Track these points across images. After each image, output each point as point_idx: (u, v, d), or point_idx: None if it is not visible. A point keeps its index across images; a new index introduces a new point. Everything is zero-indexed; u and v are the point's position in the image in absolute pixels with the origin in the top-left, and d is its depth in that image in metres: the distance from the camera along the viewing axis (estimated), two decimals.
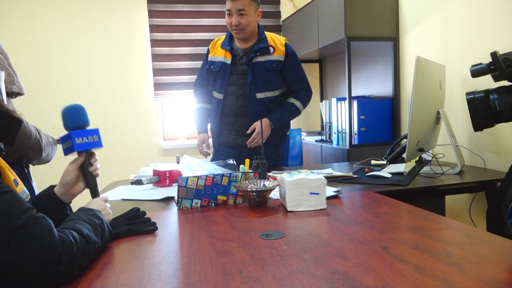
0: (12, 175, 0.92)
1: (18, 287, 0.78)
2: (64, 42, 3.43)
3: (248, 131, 2.16)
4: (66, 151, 1.09)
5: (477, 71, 1.33)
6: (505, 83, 1.33)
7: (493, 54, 1.26)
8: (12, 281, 0.77)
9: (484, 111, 1.27)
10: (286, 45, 2.20)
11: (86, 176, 1.11)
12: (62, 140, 1.09)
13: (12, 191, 0.82)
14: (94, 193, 1.14)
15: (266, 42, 2.16)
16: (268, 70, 2.15)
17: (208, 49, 2.34)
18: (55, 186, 1.10)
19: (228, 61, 2.19)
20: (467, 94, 1.33)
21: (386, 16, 2.70)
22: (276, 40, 2.21)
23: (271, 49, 2.15)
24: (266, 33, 2.23)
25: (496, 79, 1.30)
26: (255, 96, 2.18)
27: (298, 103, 2.22)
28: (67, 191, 1.09)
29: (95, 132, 1.11)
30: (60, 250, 0.79)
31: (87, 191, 1.14)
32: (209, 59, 2.29)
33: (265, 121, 2.14)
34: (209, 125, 2.39)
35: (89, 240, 0.89)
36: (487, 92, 1.28)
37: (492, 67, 1.30)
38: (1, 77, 0.98)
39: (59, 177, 1.10)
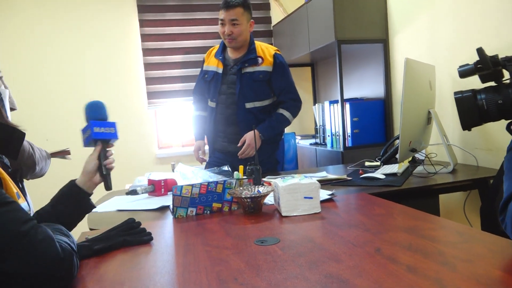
0: (14, 188, 0.94)
1: None
2: (55, 53, 3.43)
3: (239, 144, 2.18)
4: (86, 141, 1.20)
5: (464, 72, 1.35)
6: (493, 83, 1.35)
7: (479, 50, 1.28)
8: None
9: (472, 110, 1.29)
10: (274, 56, 2.22)
11: (100, 167, 1.18)
12: (83, 131, 1.21)
13: (15, 202, 0.85)
14: (107, 184, 1.20)
15: (254, 53, 2.20)
16: (256, 81, 2.18)
17: (204, 58, 2.38)
18: (75, 180, 1.16)
19: (220, 70, 2.23)
20: (455, 93, 1.35)
21: (375, 18, 2.73)
22: (265, 50, 2.24)
23: (259, 59, 2.19)
24: (257, 43, 2.26)
25: (483, 79, 1.32)
26: (244, 105, 2.20)
27: (287, 113, 2.24)
28: (89, 179, 1.16)
29: (112, 124, 1.23)
30: (62, 256, 0.82)
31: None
32: (204, 68, 2.34)
33: (256, 134, 2.12)
34: None
35: (72, 245, 0.90)
36: (475, 91, 1.30)
37: (479, 66, 1.32)
38: (6, 94, 1.01)
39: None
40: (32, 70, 3.38)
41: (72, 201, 1.12)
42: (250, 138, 2.13)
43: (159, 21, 3.57)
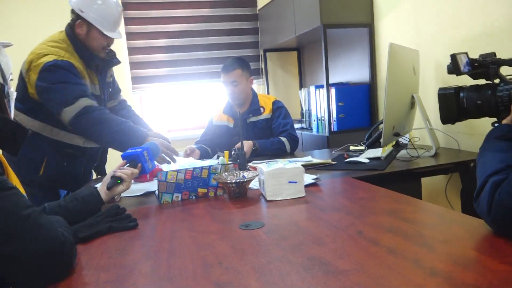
0: (15, 181, 0.96)
1: (24, 281, 0.81)
2: (35, 37, 3.34)
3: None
4: (127, 153, 1.40)
5: (451, 70, 1.39)
6: (482, 81, 1.37)
7: (452, 57, 1.31)
8: (18, 276, 0.80)
9: (452, 107, 1.33)
10: (273, 103, 2.43)
11: (113, 177, 1.29)
12: (132, 148, 1.44)
13: (17, 188, 0.86)
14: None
15: (257, 104, 2.41)
16: (260, 128, 2.39)
17: (212, 115, 2.55)
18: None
19: (231, 124, 2.42)
20: (440, 89, 1.38)
21: (361, 2, 2.72)
22: (266, 100, 2.45)
23: (262, 109, 2.41)
24: (259, 94, 2.48)
25: (473, 77, 1.35)
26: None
27: (285, 141, 2.30)
28: (102, 187, 1.27)
29: (153, 166, 1.45)
30: (63, 240, 0.84)
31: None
32: (214, 123, 2.50)
33: (249, 142, 2.19)
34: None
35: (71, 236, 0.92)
36: (458, 89, 1.33)
37: (455, 70, 1.35)
38: (13, 96, 1.09)
39: None
40: (13, 58, 3.29)
41: (87, 200, 1.20)
42: (247, 146, 2.15)
43: (143, 4, 3.50)
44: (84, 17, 1.83)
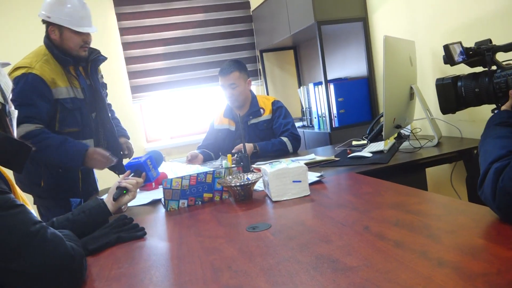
0: (21, 198, 0.97)
1: None
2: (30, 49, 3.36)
3: (233, 150, 2.20)
4: (131, 163, 1.43)
5: (446, 60, 1.39)
6: (479, 69, 1.38)
7: (445, 47, 1.31)
8: None
9: (450, 97, 1.33)
10: (272, 103, 2.44)
11: (118, 188, 1.31)
12: (135, 158, 1.45)
13: (24, 205, 0.88)
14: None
15: (257, 106, 2.42)
16: (261, 130, 2.40)
17: (213, 119, 2.55)
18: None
19: (233, 128, 2.43)
20: (437, 80, 1.38)
21: None
22: (266, 101, 2.46)
23: (262, 110, 2.42)
24: (258, 96, 2.48)
25: (470, 65, 1.35)
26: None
27: (287, 141, 2.32)
28: (108, 198, 1.28)
29: (157, 174, 1.48)
30: (72, 254, 0.86)
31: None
32: (215, 127, 2.50)
33: (250, 145, 2.21)
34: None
35: (81, 249, 0.94)
36: (456, 78, 1.33)
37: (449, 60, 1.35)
38: (15, 115, 1.10)
39: None
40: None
41: (94, 212, 1.21)
42: (248, 150, 2.14)
43: (137, 13, 3.52)
44: (53, 21, 1.89)
